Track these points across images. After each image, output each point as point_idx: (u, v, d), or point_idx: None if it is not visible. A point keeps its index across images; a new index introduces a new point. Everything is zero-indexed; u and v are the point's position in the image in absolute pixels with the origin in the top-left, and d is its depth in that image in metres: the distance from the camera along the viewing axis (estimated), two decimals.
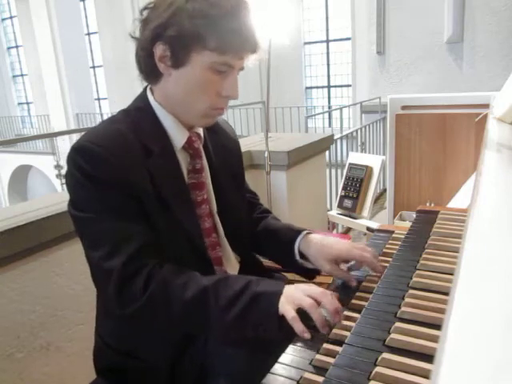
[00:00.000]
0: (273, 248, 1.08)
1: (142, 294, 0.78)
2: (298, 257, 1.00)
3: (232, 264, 1.03)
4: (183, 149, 0.94)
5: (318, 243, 0.98)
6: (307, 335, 0.72)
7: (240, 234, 1.04)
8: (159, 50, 0.84)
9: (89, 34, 11.44)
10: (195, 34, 0.81)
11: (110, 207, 0.81)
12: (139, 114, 0.91)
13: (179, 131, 0.92)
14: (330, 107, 8.90)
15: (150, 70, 0.89)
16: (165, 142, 0.90)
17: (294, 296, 0.77)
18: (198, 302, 0.78)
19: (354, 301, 0.82)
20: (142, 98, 0.93)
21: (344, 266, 0.95)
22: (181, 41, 0.82)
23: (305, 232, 1.01)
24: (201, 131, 0.98)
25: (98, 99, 12.07)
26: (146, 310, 0.79)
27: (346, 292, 0.87)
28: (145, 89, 0.94)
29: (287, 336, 0.75)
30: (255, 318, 0.77)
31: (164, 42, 0.83)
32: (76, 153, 0.82)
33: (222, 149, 1.04)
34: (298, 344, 0.72)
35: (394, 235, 1.11)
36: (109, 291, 0.80)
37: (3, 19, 13.01)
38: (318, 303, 0.76)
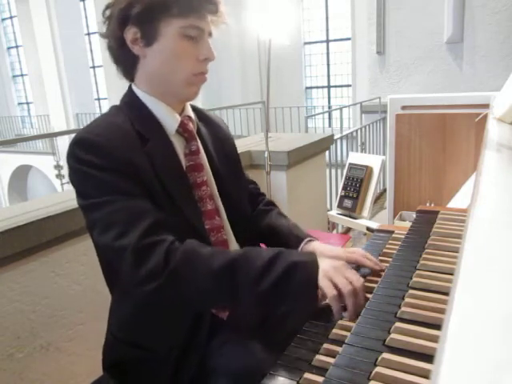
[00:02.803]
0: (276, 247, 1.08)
1: (163, 269, 0.76)
2: None
3: (235, 248, 1.03)
4: (177, 133, 0.96)
5: (315, 251, 0.98)
6: (342, 315, 0.73)
7: (242, 220, 1.04)
8: (130, 33, 0.87)
9: (89, 34, 11.44)
10: (158, 4, 0.85)
11: (117, 189, 0.81)
12: (130, 108, 0.93)
13: (170, 116, 0.94)
14: (330, 107, 8.90)
15: (125, 59, 0.92)
16: (158, 129, 0.92)
17: (331, 273, 0.76)
18: (228, 272, 0.76)
19: None
20: (128, 93, 0.96)
21: None
22: (147, 16, 0.86)
23: (306, 240, 1.02)
24: (192, 114, 1.00)
25: (98, 99, 12.07)
26: (170, 285, 0.76)
27: None
28: (129, 86, 0.97)
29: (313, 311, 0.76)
30: (292, 290, 0.75)
31: (132, 24, 0.86)
32: (75, 146, 0.83)
33: (216, 139, 1.06)
34: (298, 344, 0.72)
35: (394, 235, 1.11)
36: (124, 268, 0.78)
37: (3, 19, 13.00)
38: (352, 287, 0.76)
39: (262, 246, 1.11)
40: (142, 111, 0.92)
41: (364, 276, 0.90)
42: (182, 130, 0.96)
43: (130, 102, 0.94)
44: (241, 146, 2.49)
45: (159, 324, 0.92)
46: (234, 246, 1.02)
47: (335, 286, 0.75)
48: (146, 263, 0.76)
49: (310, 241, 1.02)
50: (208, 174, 1.00)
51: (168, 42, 0.87)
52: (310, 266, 0.77)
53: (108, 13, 0.91)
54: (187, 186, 0.93)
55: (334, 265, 0.79)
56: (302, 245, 1.01)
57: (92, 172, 0.81)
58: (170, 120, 0.94)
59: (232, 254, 0.79)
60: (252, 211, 1.12)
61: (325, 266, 0.78)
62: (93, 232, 0.85)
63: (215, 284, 0.77)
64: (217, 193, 1.00)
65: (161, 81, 0.92)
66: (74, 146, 0.83)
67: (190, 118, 0.99)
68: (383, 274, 0.87)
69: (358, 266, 0.94)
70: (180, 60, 0.89)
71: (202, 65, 0.92)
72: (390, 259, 0.93)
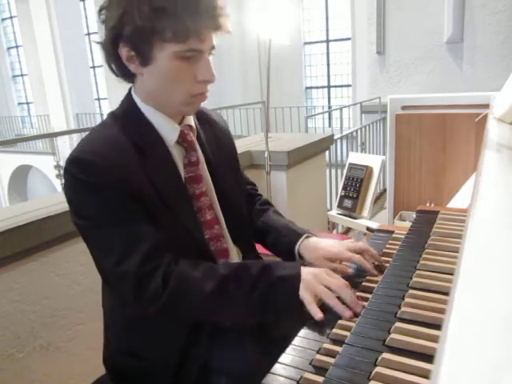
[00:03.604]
0: (273, 245, 1.09)
1: (162, 292, 0.79)
2: (298, 258, 1.02)
3: (234, 256, 1.03)
4: (177, 143, 0.93)
5: (313, 246, 1.00)
6: (320, 316, 0.76)
7: (241, 225, 1.04)
8: (124, 51, 0.83)
9: (89, 34, 11.43)
10: (149, 29, 0.79)
11: (114, 211, 0.81)
12: (127, 117, 0.90)
13: (169, 127, 0.91)
14: (330, 107, 8.90)
15: (122, 73, 0.88)
16: (156, 141, 0.89)
17: (312, 284, 0.81)
18: (220, 293, 0.80)
19: None
20: (127, 99, 0.92)
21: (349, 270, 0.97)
22: (139, 38, 0.80)
23: (304, 236, 1.02)
24: (192, 123, 0.98)
25: (98, 99, 12.07)
26: (169, 307, 0.80)
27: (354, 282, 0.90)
28: (129, 89, 0.94)
29: (302, 318, 0.78)
30: (277, 302, 0.81)
31: (125, 43, 0.82)
32: (71, 165, 0.81)
33: (215, 140, 1.04)
34: (298, 344, 0.72)
35: (394, 235, 1.11)
36: (126, 294, 0.81)
37: (3, 19, 13.00)
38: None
39: (258, 246, 1.11)
40: (141, 121, 0.90)
41: (359, 275, 0.92)
42: (182, 140, 0.94)
43: (129, 110, 0.91)
44: (241, 146, 2.49)
45: (155, 335, 0.92)
46: (233, 252, 1.02)
47: (316, 295, 0.80)
48: (145, 290, 0.80)
49: (309, 236, 1.03)
50: (207, 184, 0.98)
51: (163, 64, 0.82)
52: (292, 280, 0.82)
53: (103, 16, 0.84)
54: (187, 198, 0.92)
55: (314, 273, 0.83)
56: (301, 240, 1.01)
57: (86, 191, 0.81)
58: (169, 131, 0.91)
59: (223, 273, 0.82)
60: (249, 212, 1.12)
61: (306, 278, 0.82)
62: (92, 251, 0.86)
63: (208, 304, 0.82)
64: (216, 201, 1.00)
65: (159, 98, 0.89)
66: (71, 164, 0.81)
67: (190, 127, 0.96)
68: (383, 274, 0.87)
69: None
70: (177, 82, 0.85)
71: (201, 86, 0.87)
72: (390, 259, 0.93)
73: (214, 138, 1.04)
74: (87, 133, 0.90)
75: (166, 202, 0.86)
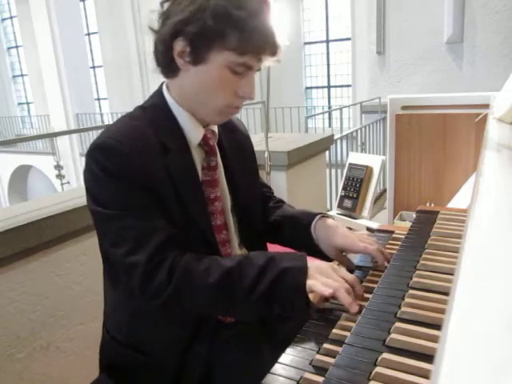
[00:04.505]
0: (291, 233, 1.08)
1: (167, 285, 0.79)
2: (316, 240, 1.01)
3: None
4: (198, 146, 0.94)
5: (329, 229, 1.00)
6: (356, 308, 0.74)
7: (252, 231, 1.04)
8: (179, 45, 0.83)
9: (89, 34, 11.43)
10: (217, 32, 0.80)
11: (132, 203, 0.82)
12: (155, 111, 0.91)
13: (195, 128, 0.92)
14: (330, 107, 8.90)
15: (167, 65, 0.88)
16: (181, 139, 0.90)
17: (318, 276, 0.79)
18: (223, 285, 0.80)
19: None
20: (158, 94, 0.93)
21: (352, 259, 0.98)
22: (202, 38, 0.81)
23: (320, 215, 1.02)
24: (215, 129, 0.99)
25: (98, 99, 12.07)
26: (173, 300, 0.81)
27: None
28: (161, 85, 0.94)
29: (311, 312, 0.77)
30: (283, 295, 0.78)
31: (184, 38, 0.82)
32: (97, 150, 0.82)
33: (237, 146, 1.05)
34: (298, 344, 0.72)
35: (394, 235, 1.11)
36: (133, 285, 0.81)
37: (3, 19, 13.01)
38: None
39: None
40: (168, 118, 0.90)
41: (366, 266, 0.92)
42: (204, 143, 0.94)
43: (158, 105, 0.92)
44: None
45: (158, 329, 0.92)
46: None
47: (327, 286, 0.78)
48: (152, 282, 0.80)
49: (324, 217, 1.02)
50: (222, 190, 0.99)
51: (213, 69, 0.84)
52: (298, 272, 0.80)
53: (165, 8, 0.85)
54: (203, 200, 0.93)
55: (320, 267, 0.82)
56: (316, 219, 1.01)
57: (107, 179, 0.81)
58: (193, 132, 0.92)
59: (227, 265, 0.82)
60: (262, 217, 1.12)
61: (311, 269, 0.80)
62: (102, 240, 0.87)
63: (212, 297, 0.81)
64: (229, 208, 1.00)
65: (194, 101, 0.89)
66: (96, 150, 0.82)
67: (213, 132, 0.97)
68: (383, 274, 0.87)
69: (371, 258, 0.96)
70: (219, 90, 0.86)
71: (239, 100, 0.89)
72: (390, 259, 0.93)
73: (236, 144, 1.05)
74: (110, 125, 0.91)
75: (183, 201, 0.87)
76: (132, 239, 0.81)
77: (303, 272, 0.79)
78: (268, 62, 0.88)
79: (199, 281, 0.80)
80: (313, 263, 0.82)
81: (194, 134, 0.92)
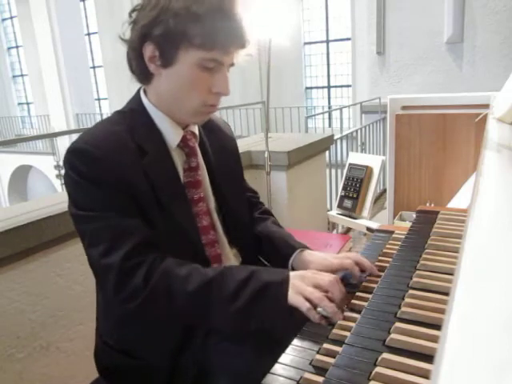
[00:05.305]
0: (269, 257, 1.08)
1: (143, 288, 0.78)
2: (291, 269, 1.01)
3: (230, 261, 1.03)
4: (178, 147, 0.95)
5: (305, 259, 0.98)
6: (340, 316, 0.75)
7: (241, 230, 1.04)
8: (148, 50, 0.85)
9: (89, 34, 11.43)
10: (180, 32, 0.81)
11: (107, 205, 0.82)
12: (133, 116, 0.92)
13: (173, 130, 0.93)
14: (330, 107, 8.90)
15: (140, 71, 0.90)
16: (159, 142, 0.91)
17: (301, 288, 0.78)
18: (201, 294, 0.79)
19: (353, 301, 0.81)
20: (136, 99, 0.94)
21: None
22: (168, 40, 0.82)
23: (298, 250, 1.01)
24: (196, 130, 0.99)
25: (98, 99, 12.07)
26: (149, 304, 0.80)
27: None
28: (138, 90, 0.95)
29: (296, 326, 0.76)
30: (263, 309, 0.78)
31: (151, 42, 0.84)
32: (72, 155, 0.83)
33: (220, 148, 1.05)
34: (298, 344, 0.72)
35: (394, 235, 1.11)
36: (108, 287, 0.81)
37: (3, 19, 13.00)
38: (326, 291, 0.78)
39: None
40: (145, 122, 0.91)
41: (349, 282, 0.89)
42: (183, 145, 0.95)
43: (136, 109, 0.93)
44: (241, 146, 2.48)
45: (148, 333, 0.92)
46: (227, 258, 1.02)
47: (306, 299, 0.77)
48: (127, 285, 0.79)
49: (302, 251, 1.01)
50: (206, 190, 0.99)
51: (184, 68, 0.85)
52: (280, 285, 0.79)
53: (134, 16, 0.87)
54: (186, 201, 0.93)
55: (302, 275, 0.82)
56: (295, 254, 1.00)
57: (83, 183, 0.82)
58: (172, 134, 0.92)
59: (208, 275, 0.81)
60: (250, 218, 1.11)
61: (294, 280, 0.80)
62: (83, 241, 0.87)
63: (190, 305, 0.80)
64: (213, 208, 1.00)
65: (171, 103, 0.90)
66: (71, 154, 0.83)
67: (193, 133, 0.97)
68: (383, 274, 0.87)
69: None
70: (193, 89, 0.87)
71: (214, 97, 0.89)
72: (390, 259, 0.93)
73: (219, 145, 1.05)
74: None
75: (164, 204, 0.87)
76: (107, 240, 0.81)
77: (285, 285, 0.79)
78: (239, 56, 0.88)
79: (177, 287, 0.79)
80: (296, 273, 0.82)
81: (172, 136, 0.92)
